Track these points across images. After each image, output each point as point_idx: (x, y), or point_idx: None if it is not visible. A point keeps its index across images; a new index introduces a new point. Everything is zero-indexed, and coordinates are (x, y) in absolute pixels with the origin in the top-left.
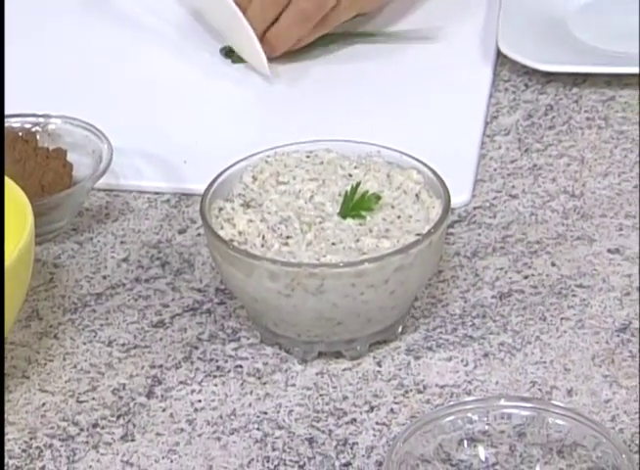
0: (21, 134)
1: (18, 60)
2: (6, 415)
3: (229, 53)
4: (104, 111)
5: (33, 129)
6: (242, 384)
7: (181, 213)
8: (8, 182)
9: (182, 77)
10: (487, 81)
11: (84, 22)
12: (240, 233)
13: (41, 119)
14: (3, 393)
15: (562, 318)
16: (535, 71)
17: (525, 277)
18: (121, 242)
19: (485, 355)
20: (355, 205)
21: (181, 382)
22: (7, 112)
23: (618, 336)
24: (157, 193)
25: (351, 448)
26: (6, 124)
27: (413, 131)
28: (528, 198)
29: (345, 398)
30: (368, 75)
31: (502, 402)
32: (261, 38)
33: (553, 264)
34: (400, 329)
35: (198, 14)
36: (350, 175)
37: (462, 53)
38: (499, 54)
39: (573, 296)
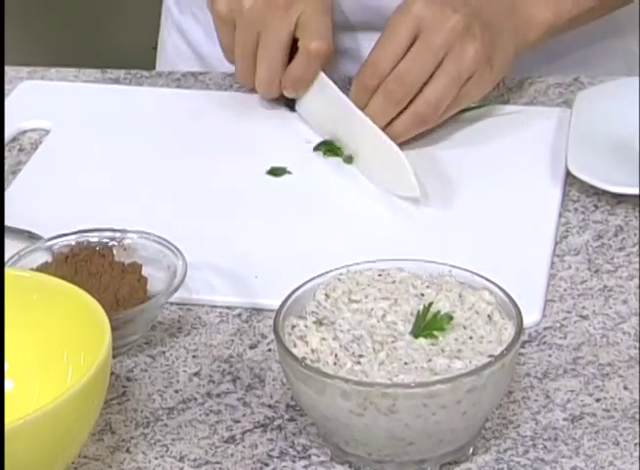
0: (97, 249)
1: (95, 177)
2: None
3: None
4: (177, 225)
5: (110, 244)
6: None
7: (252, 328)
8: (86, 297)
9: (253, 193)
10: (557, 201)
11: (159, 140)
12: (312, 351)
13: (118, 234)
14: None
15: (635, 443)
16: (605, 192)
17: (598, 400)
18: (193, 356)
19: None
20: (427, 324)
21: None
22: (84, 226)
23: None
24: (228, 307)
25: None
26: (83, 239)
27: (483, 250)
28: (599, 319)
29: None
30: (436, 192)
31: None
32: None
33: (625, 388)
34: (471, 450)
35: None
36: (422, 295)
37: (531, 173)
38: (568, 174)
39: None
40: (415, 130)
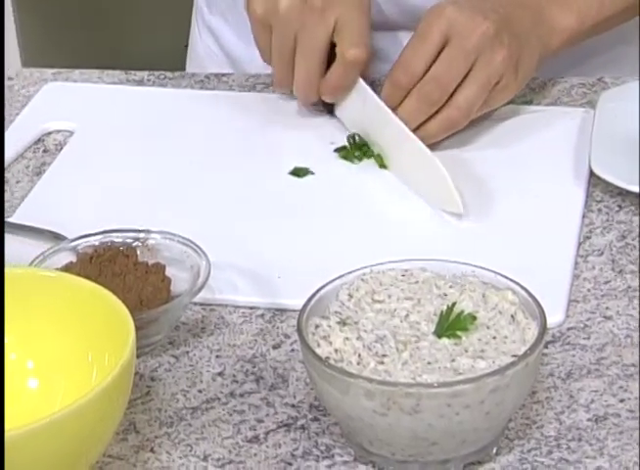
0: (121, 249)
1: (119, 178)
2: None
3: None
4: (201, 225)
5: (134, 244)
6: None
7: (275, 329)
8: (111, 297)
9: (276, 193)
10: (580, 201)
11: (183, 141)
12: (336, 351)
13: (141, 235)
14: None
15: None
16: (629, 193)
17: (622, 401)
18: (217, 356)
19: None
20: (451, 324)
21: None
22: (108, 227)
23: None
24: (251, 308)
25: None
26: (107, 239)
27: (506, 250)
28: (623, 320)
29: None
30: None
31: None
32: None
33: None
34: (495, 450)
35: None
36: (445, 295)
37: (554, 173)
38: (592, 174)
39: None
40: (444, 134)
